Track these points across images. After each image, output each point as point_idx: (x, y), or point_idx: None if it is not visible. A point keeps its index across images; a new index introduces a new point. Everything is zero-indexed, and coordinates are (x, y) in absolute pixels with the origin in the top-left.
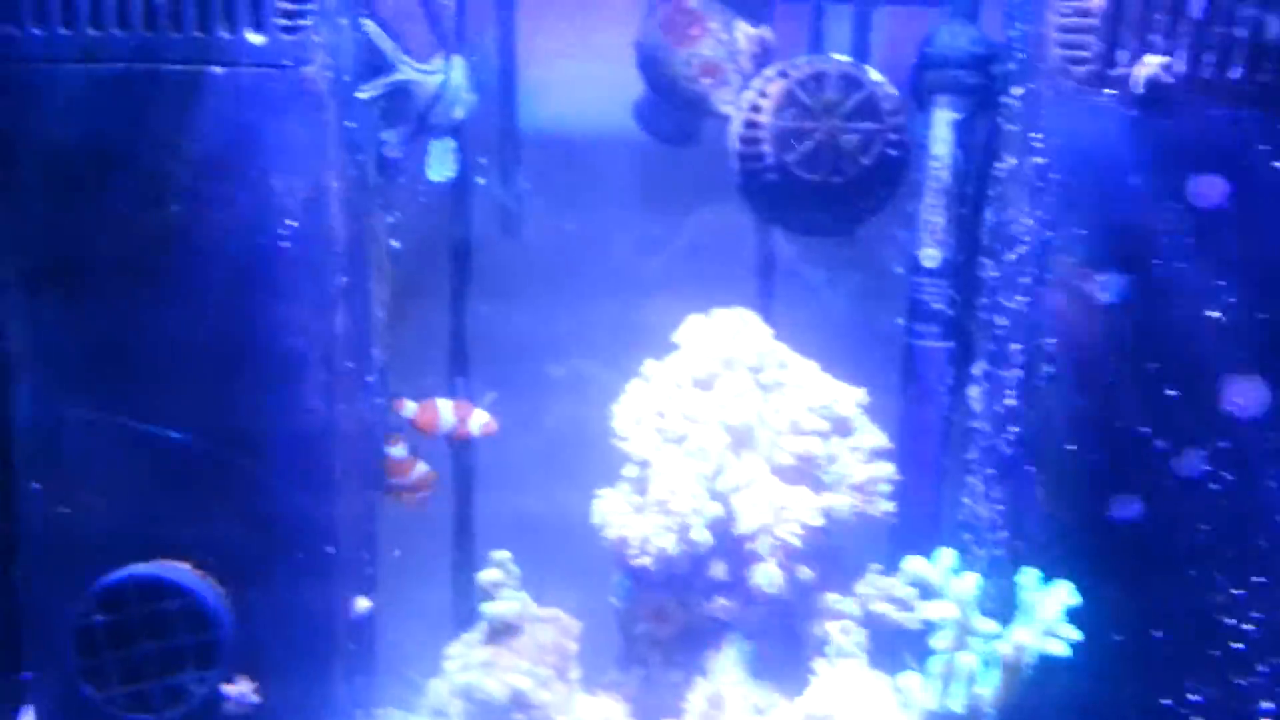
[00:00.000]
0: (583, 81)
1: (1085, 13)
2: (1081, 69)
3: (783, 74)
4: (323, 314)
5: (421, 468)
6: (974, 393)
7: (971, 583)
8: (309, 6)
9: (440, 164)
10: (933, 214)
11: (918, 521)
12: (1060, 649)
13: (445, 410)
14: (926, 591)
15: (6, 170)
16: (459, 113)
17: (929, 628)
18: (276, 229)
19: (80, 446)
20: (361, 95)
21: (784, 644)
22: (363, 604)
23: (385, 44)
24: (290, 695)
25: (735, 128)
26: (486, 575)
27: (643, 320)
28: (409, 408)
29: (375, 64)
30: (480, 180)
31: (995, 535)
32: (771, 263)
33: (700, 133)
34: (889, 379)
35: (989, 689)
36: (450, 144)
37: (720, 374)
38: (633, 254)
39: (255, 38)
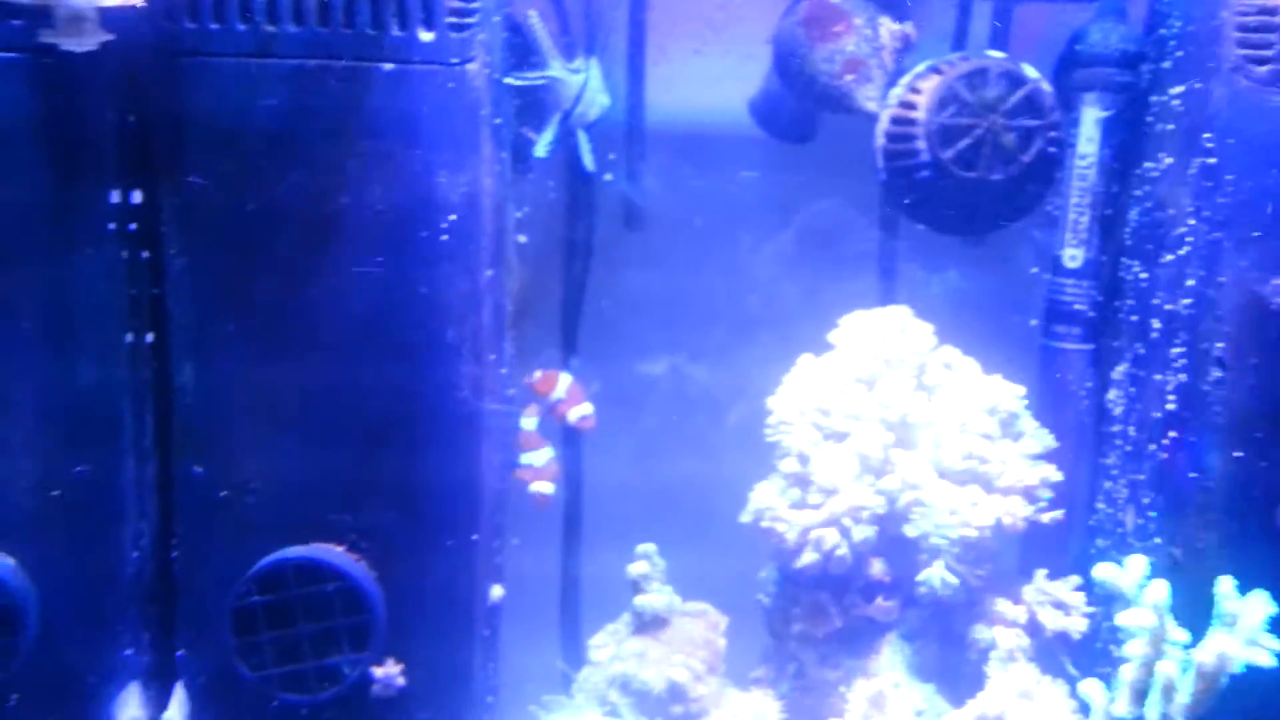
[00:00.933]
0: (712, 78)
1: (1270, 11)
2: (1263, 69)
3: (936, 70)
4: (473, 307)
5: (549, 451)
6: (1113, 396)
7: (1165, 590)
8: (475, 4)
9: (588, 157)
10: (1077, 213)
11: (1051, 527)
12: (1265, 659)
13: (563, 384)
14: (1109, 599)
15: (181, 160)
16: (593, 113)
17: (1111, 634)
18: (439, 223)
19: (241, 432)
20: (516, 81)
21: (943, 647)
22: (497, 592)
23: (545, 41)
24: (432, 679)
25: (883, 125)
26: (635, 568)
27: (755, 317)
28: (535, 375)
29: (517, 61)
30: (608, 176)
31: (1146, 543)
32: (893, 262)
33: (817, 130)
34: (1021, 382)
35: (1184, 699)
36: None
37: (883, 372)
38: (747, 251)
39: (425, 35)
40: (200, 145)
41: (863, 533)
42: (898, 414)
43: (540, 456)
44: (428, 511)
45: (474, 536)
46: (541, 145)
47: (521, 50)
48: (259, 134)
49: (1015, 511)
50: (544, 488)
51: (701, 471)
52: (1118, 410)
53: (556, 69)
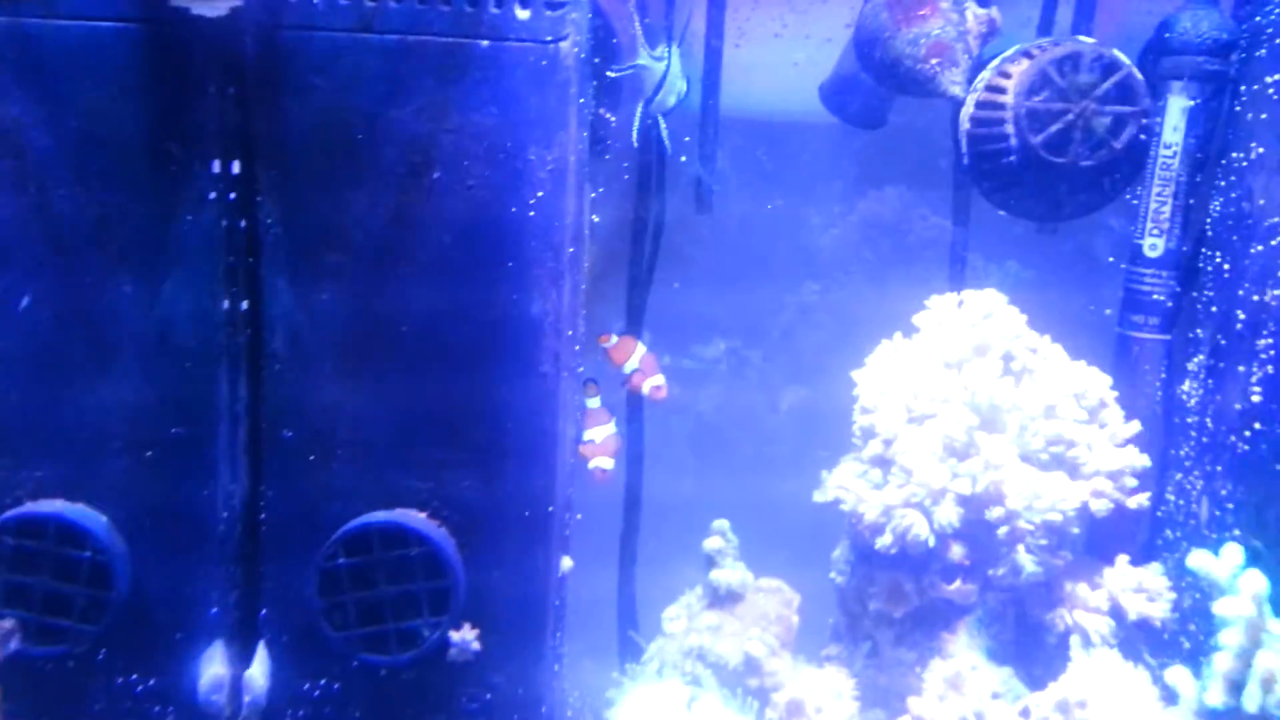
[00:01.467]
0: (788, 63)
1: None
2: None
3: (1026, 54)
4: (556, 283)
5: (611, 428)
6: (1188, 387)
7: (1263, 581)
8: None
9: (668, 142)
10: (1159, 202)
11: (1122, 515)
12: None
13: (638, 354)
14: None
15: (279, 132)
16: (671, 100)
17: (1205, 623)
18: (528, 198)
19: (330, 399)
20: (612, 73)
21: (1020, 631)
22: (566, 563)
23: (635, 29)
24: (506, 645)
25: (969, 109)
26: (709, 543)
27: (814, 303)
28: (611, 339)
29: (597, 45)
30: (682, 158)
31: (1222, 535)
32: (964, 250)
33: (887, 115)
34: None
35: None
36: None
37: (970, 356)
38: (811, 234)
39: (522, 13)
40: (298, 118)
41: (945, 515)
42: (985, 398)
43: (602, 433)
44: (509, 482)
45: (550, 508)
46: (635, 130)
47: (603, 34)
48: (356, 108)
49: (1101, 496)
50: (604, 463)
51: (759, 453)
52: (1192, 402)
53: (643, 57)
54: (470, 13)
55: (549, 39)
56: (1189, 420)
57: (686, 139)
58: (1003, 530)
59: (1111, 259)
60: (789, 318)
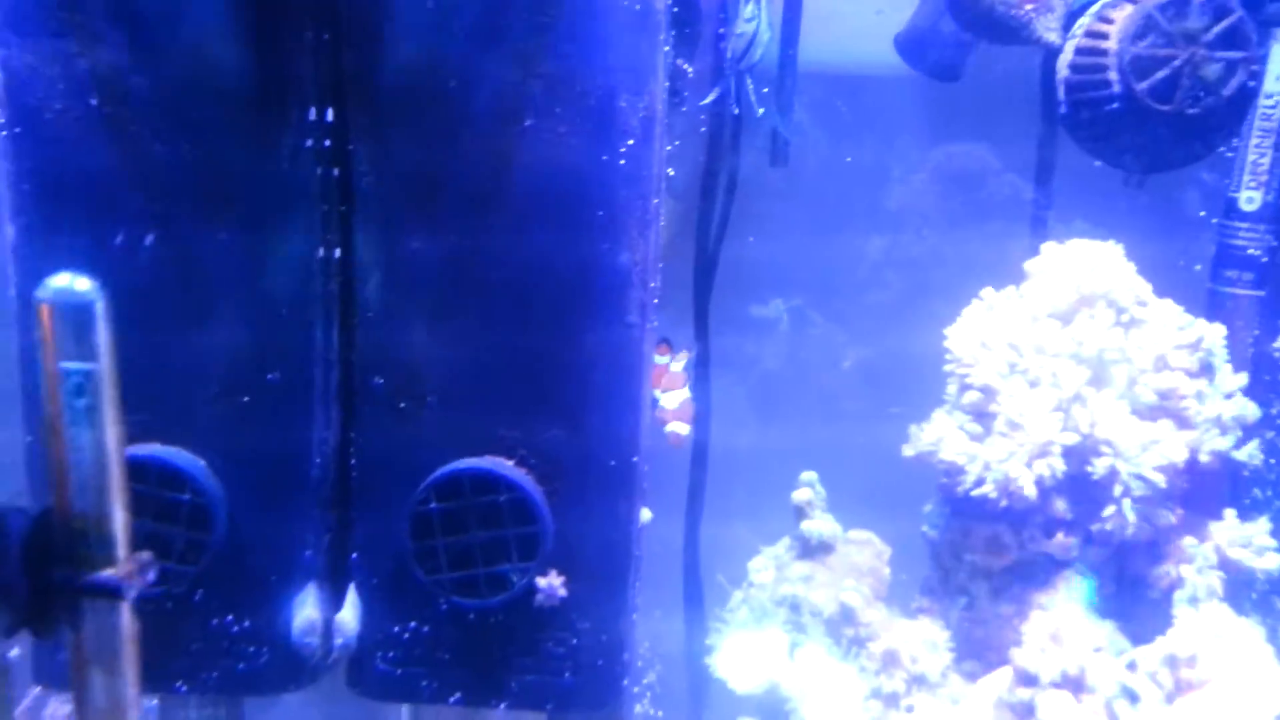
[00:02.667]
0: (870, 11)
1: None
2: None
3: None
4: (644, 233)
5: (686, 392)
6: (1279, 344)
7: None
8: None
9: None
10: (1258, 154)
11: (1219, 470)
12: None
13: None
14: None
15: (371, 80)
16: (758, 54)
17: None
18: (619, 146)
19: (421, 346)
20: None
21: (1120, 585)
22: (646, 514)
23: None
24: (590, 592)
25: (1067, 56)
26: (799, 494)
27: (880, 261)
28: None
29: None
30: (760, 111)
31: None
32: (1047, 205)
33: (964, 67)
34: None
35: None
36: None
37: (1078, 306)
38: (888, 188)
39: None
40: (390, 64)
41: (1049, 468)
42: (1093, 350)
43: (677, 397)
44: (594, 431)
45: (634, 458)
46: (725, 90)
47: None
48: (447, 54)
49: (1210, 448)
50: (680, 428)
51: (819, 411)
52: None
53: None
54: None
55: None
56: None
57: (764, 90)
58: (1109, 483)
59: (1203, 213)
60: (858, 274)
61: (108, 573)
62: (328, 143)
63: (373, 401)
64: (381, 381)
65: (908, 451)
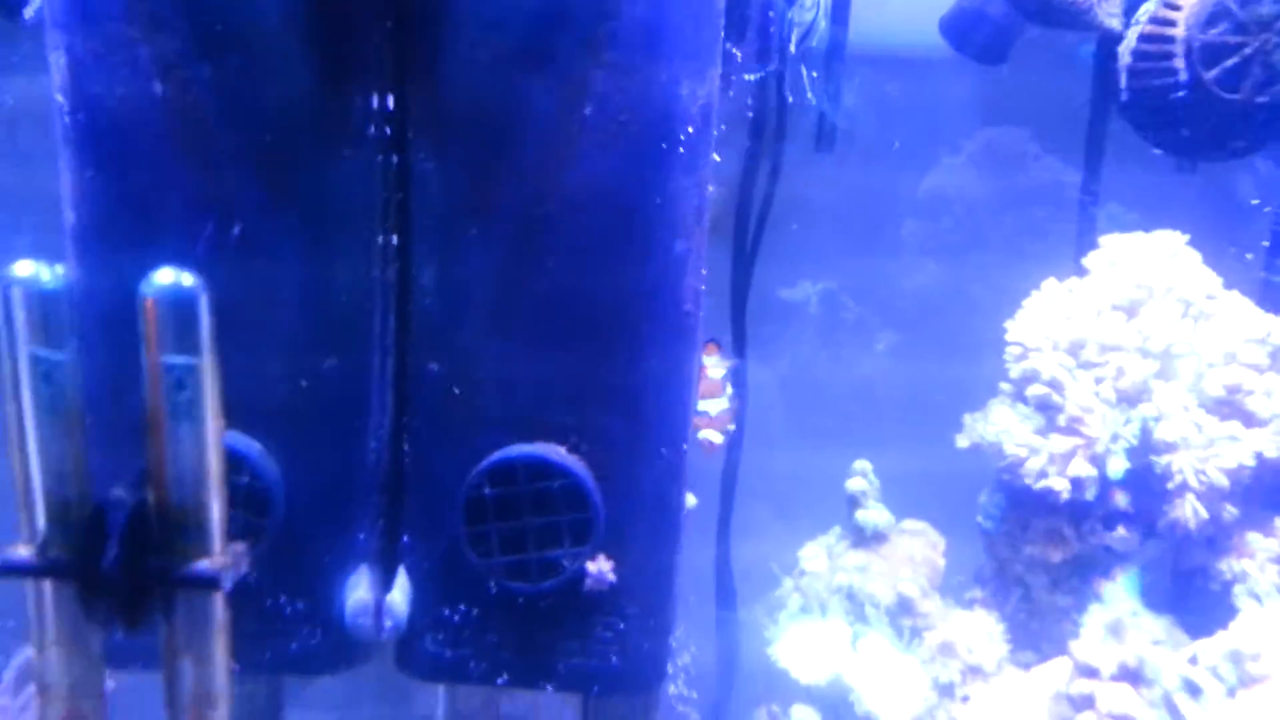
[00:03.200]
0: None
1: None
2: None
3: None
4: (699, 220)
5: (725, 401)
6: None
7: None
8: None
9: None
10: None
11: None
12: None
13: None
14: None
15: (432, 66)
16: (814, 41)
17: None
18: (678, 134)
19: (475, 332)
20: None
21: (1177, 579)
22: (691, 500)
23: None
24: (640, 577)
25: (1131, 43)
26: (852, 483)
27: (913, 244)
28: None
29: None
30: (810, 97)
31: None
32: (1095, 195)
33: (1009, 50)
34: None
35: None
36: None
37: (1145, 299)
38: (924, 171)
39: None
40: (451, 52)
41: (1115, 463)
42: (1161, 343)
43: (716, 405)
44: (646, 418)
45: (684, 445)
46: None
47: None
48: (513, 42)
49: (1276, 445)
50: (713, 436)
51: (853, 398)
52: None
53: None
54: None
55: None
56: None
57: (814, 74)
58: (1173, 478)
59: (1256, 201)
60: (895, 259)
61: (204, 563)
62: (389, 130)
63: (427, 387)
64: (436, 368)
65: (962, 442)
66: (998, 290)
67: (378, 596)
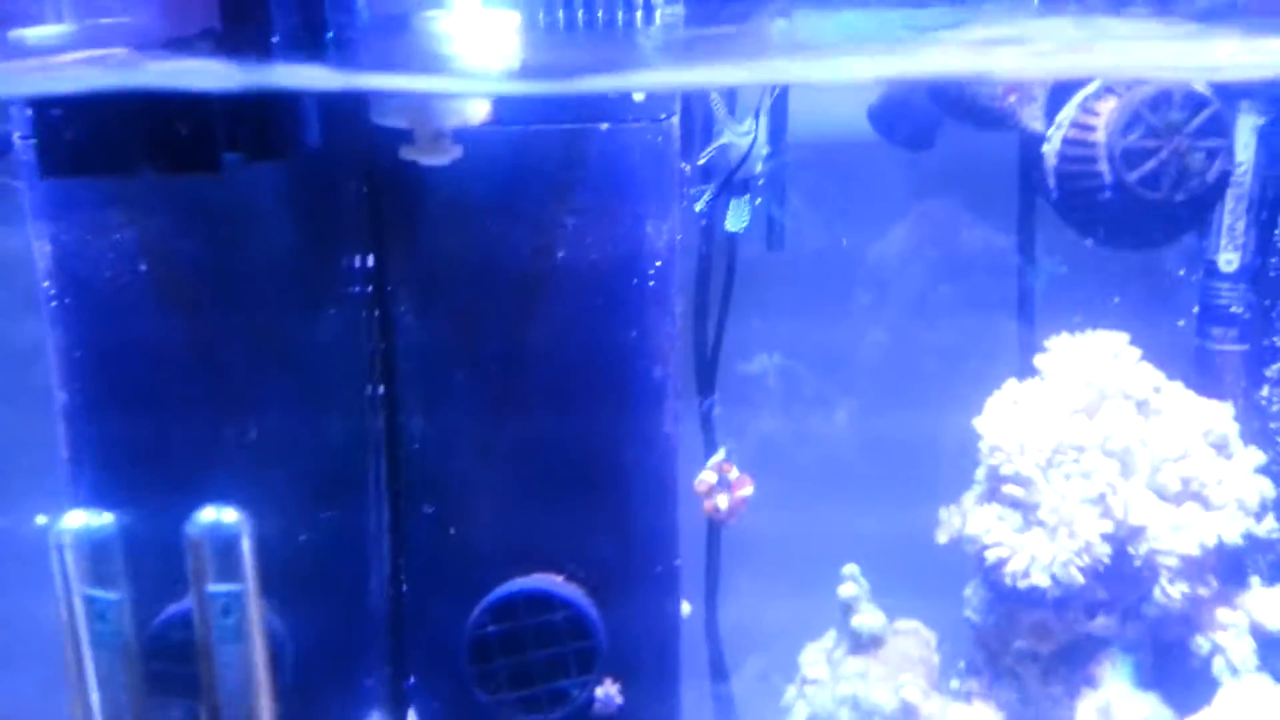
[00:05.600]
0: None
1: None
2: None
3: (1109, 90)
4: (672, 343)
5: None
6: (1266, 393)
7: None
8: None
9: (737, 218)
10: (1233, 218)
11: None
12: None
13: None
14: None
15: (410, 223)
16: (758, 167)
17: None
18: (647, 269)
19: (466, 473)
20: (699, 161)
21: (1158, 657)
22: (686, 608)
23: (719, 110)
24: (646, 694)
25: (1055, 146)
26: (844, 590)
27: (866, 318)
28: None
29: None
30: (757, 201)
31: None
32: (1032, 270)
33: (935, 137)
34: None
35: None
36: (746, 199)
37: (1097, 400)
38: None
39: (638, 94)
40: (428, 210)
41: (1093, 558)
42: (1119, 443)
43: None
44: (639, 541)
45: (676, 561)
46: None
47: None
48: (484, 197)
49: (1234, 528)
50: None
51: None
52: (1275, 407)
53: (730, 135)
54: (591, 97)
55: (663, 116)
56: (1271, 425)
57: (761, 183)
58: (1145, 566)
59: (1182, 272)
60: (840, 332)
61: None
62: (371, 287)
63: (423, 530)
64: (430, 510)
65: (941, 538)
66: (943, 355)
67: None
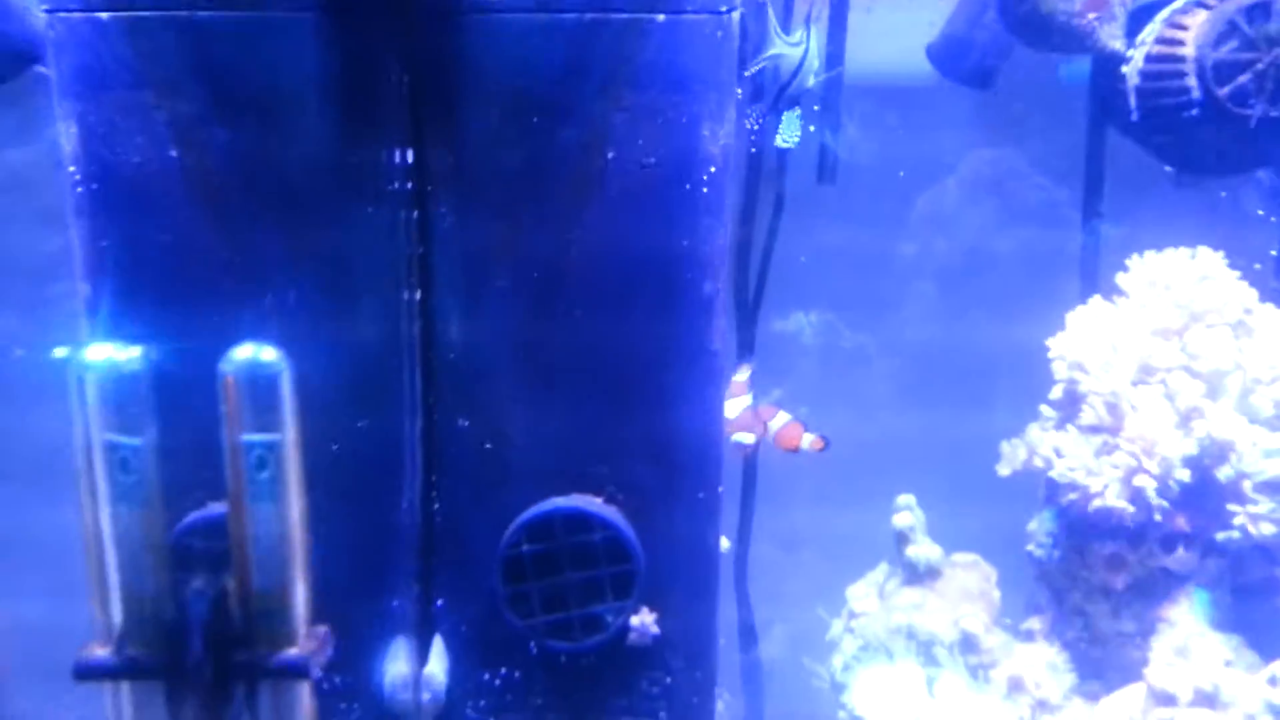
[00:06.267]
0: (924, 24)
1: None
2: None
3: (1201, 4)
4: (723, 258)
5: (749, 399)
6: None
7: None
8: None
9: (790, 132)
10: None
11: None
12: None
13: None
14: None
15: (453, 118)
16: (810, 81)
17: None
18: (700, 175)
19: (505, 386)
20: (746, 73)
21: (1238, 596)
22: (725, 543)
23: (771, 21)
24: (683, 627)
25: (1138, 64)
26: (899, 519)
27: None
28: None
29: None
30: (811, 128)
31: None
32: (1098, 209)
33: (998, 75)
34: None
35: None
36: (798, 113)
37: (1186, 319)
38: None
39: None
40: (473, 103)
41: (1176, 482)
42: (1209, 363)
43: (739, 405)
44: (681, 463)
45: (720, 488)
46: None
47: None
48: (532, 91)
49: None
50: (745, 437)
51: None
52: None
53: (780, 45)
54: None
55: (724, 9)
56: None
57: (816, 108)
58: (1231, 493)
59: (1261, 211)
60: (890, 285)
61: (290, 652)
62: (409, 185)
63: (458, 444)
64: (466, 423)
65: (1003, 470)
66: (996, 311)
67: (415, 666)
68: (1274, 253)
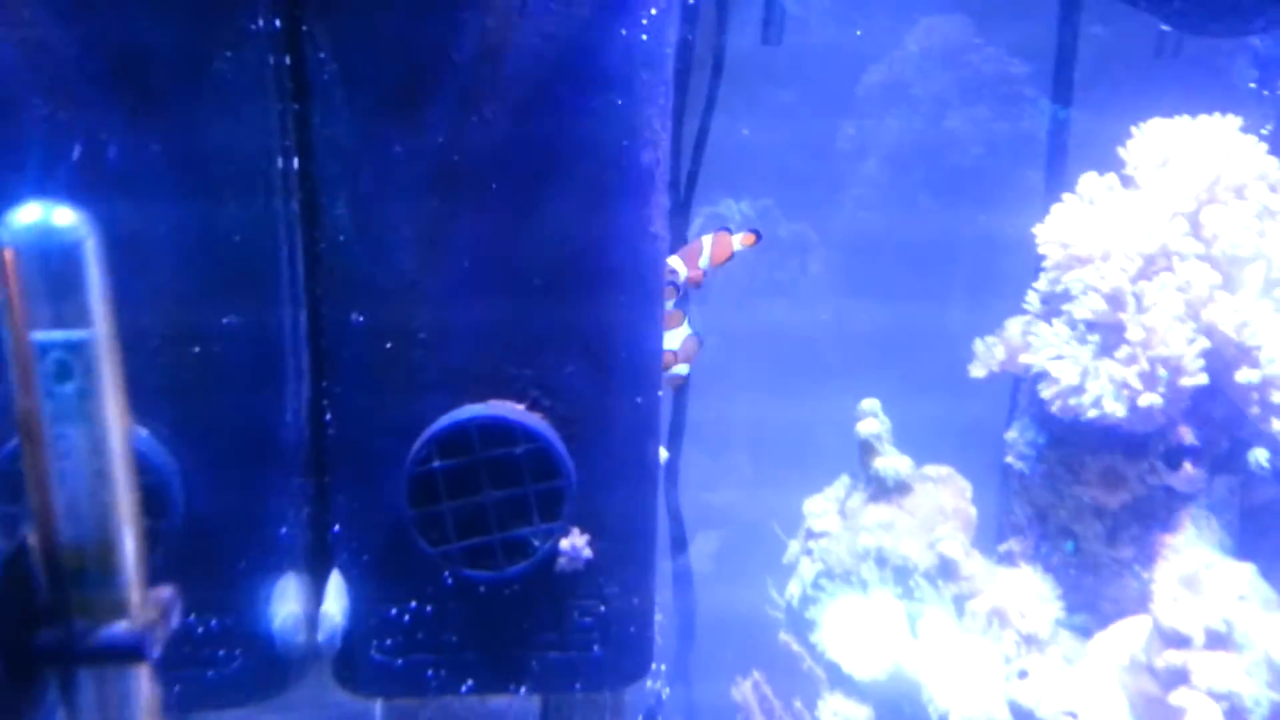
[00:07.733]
0: None
1: None
2: None
3: None
4: (665, 125)
5: (686, 328)
6: None
7: None
8: None
9: None
10: None
11: None
12: None
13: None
14: None
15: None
16: None
17: None
18: (638, 16)
19: (408, 274)
20: None
21: (1246, 521)
22: (663, 454)
23: None
24: (619, 549)
25: None
26: (864, 426)
27: (850, 149)
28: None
29: None
30: None
31: None
32: (1070, 85)
33: None
34: None
35: None
36: None
37: (1201, 197)
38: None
39: None
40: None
41: (1184, 385)
42: (1227, 248)
43: (677, 336)
44: (617, 365)
45: (659, 393)
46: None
47: None
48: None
49: None
50: (681, 369)
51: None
52: None
53: None
54: None
55: None
56: None
57: None
58: (1247, 399)
59: (1253, 84)
60: (832, 167)
61: (119, 626)
62: (278, 22)
63: (351, 343)
64: (361, 319)
65: (977, 371)
66: (949, 194)
67: (308, 603)
68: (1266, 130)
